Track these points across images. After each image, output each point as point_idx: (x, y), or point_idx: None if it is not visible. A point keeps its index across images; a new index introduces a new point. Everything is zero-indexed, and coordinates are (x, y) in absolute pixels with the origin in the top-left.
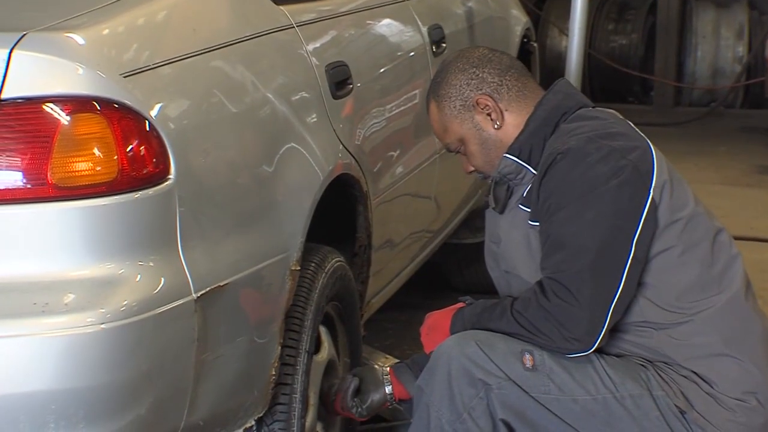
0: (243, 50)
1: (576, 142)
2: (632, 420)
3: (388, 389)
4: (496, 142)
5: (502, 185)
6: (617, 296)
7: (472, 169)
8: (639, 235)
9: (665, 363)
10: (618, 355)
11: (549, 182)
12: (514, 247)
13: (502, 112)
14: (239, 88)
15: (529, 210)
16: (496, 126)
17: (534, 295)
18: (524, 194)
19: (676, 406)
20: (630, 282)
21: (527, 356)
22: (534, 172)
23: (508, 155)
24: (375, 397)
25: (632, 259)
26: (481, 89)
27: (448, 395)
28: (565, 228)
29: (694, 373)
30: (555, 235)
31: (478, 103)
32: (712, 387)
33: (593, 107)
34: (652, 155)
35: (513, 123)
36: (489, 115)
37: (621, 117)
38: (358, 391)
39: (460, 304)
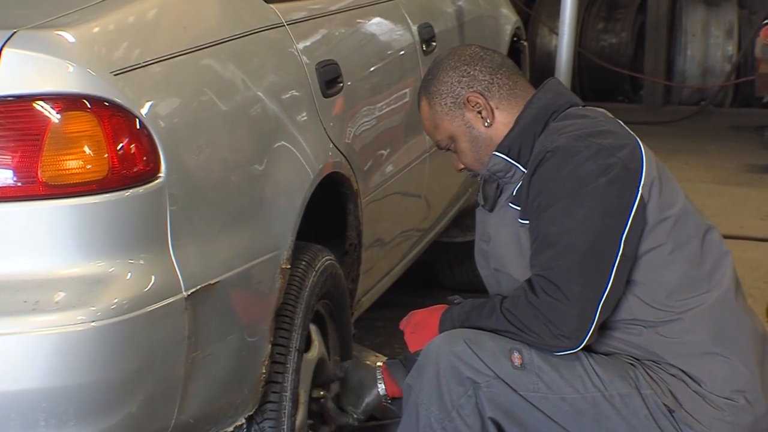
0: (233, 48)
1: (565, 140)
2: (621, 418)
3: (381, 388)
4: (486, 140)
5: (491, 183)
6: (606, 293)
7: (462, 166)
8: (628, 232)
9: (654, 361)
10: (607, 354)
11: (538, 180)
12: (503, 245)
13: (492, 110)
14: (230, 86)
15: (518, 208)
16: (486, 124)
17: (523, 292)
18: (514, 193)
19: (664, 404)
20: (619, 279)
21: (516, 354)
22: (523, 170)
23: (497, 153)
24: (369, 399)
25: (621, 257)
26: (472, 87)
27: (437, 393)
28: (555, 226)
29: (683, 371)
30: (544, 232)
31: (468, 101)
32: (700, 385)
33: (583, 106)
34: (642, 153)
35: (503, 121)
36: (479, 112)
37: (611, 116)
38: (352, 393)
39: (443, 306)
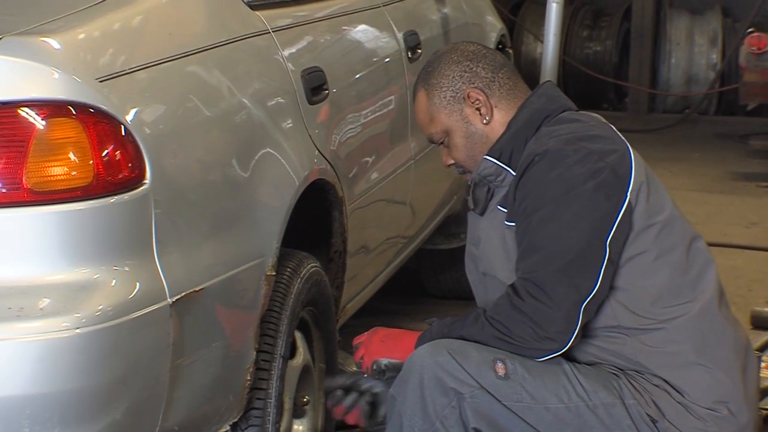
0: (219, 55)
1: (554, 143)
2: (604, 428)
3: None
4: (482, 137)
5: (482, 187)
6: (591, 296)
7: (452, 162)
8: (612, 236)
9: (637, 371)
10: (590, 364)
11: (526, 183)
12: (492, 248)
13: (491, 108)
14: (215, 93)
15: (506, 211)
16: (484, 121)
17: (507, 297)
18: (505, 196)
19: (647, 414)
20: (604, 283)
21: (499, 365)
22: (514, 174)
23: (488, 157)
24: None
25: (607, 261)
26: (473, 83)
27: (421, 404)
28: (542, 229)
29: (666, 381)
30: (531, 236)
31: (469, 96)
32: (683, 396)
33: (576, 110)
34: (631, 158)
35: (500, 120)
36: (478, 109)
37: (603, 120)
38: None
39: (410, 331)
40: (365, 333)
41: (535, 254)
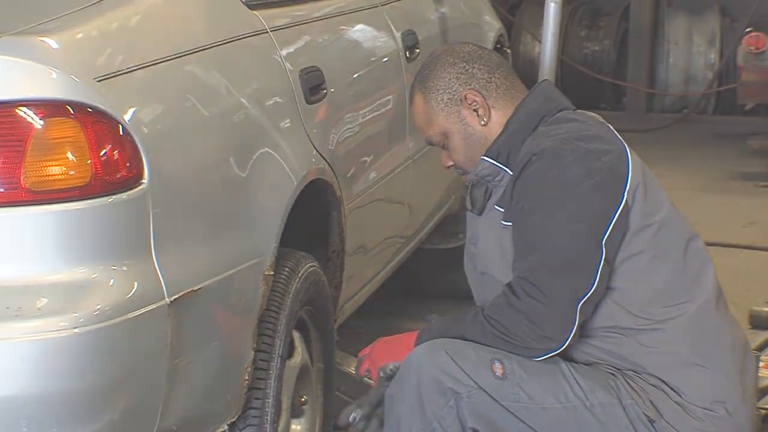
0: (217, 55)
1: (551, 143)
2: (602, 428)
3: None
4: (480, 138)
5: (480, 187)
6: (587, 296)
7: (451, 163)
8: (609, 236)
9: (634, 371)
10: (588, 364)
11: (523, 183)
12: (489, 247)
13: (489, 109)
14: (213, 92)
15: (503, 210)
16: (482, 122)
17: (504, 297)
18: (502, 196)
19: (645, 414)
20: (600, 282)
21: (497, 365)
22: (512, 174)
23: (485, 158)
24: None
25: (603, 260)
26: (470, 84)
27: (418, 404)
28: (538, 229)
29: (663, 381)
30: (528, 236)
31: (466, 98)
32: (680, 396)
33: (574, 110)
34: (628, 158)
35: (498, 121)
36: (476, 111)
37: (601, 120)
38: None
39: (411, 333)
40: (369, 346)
41: (531, 254)
